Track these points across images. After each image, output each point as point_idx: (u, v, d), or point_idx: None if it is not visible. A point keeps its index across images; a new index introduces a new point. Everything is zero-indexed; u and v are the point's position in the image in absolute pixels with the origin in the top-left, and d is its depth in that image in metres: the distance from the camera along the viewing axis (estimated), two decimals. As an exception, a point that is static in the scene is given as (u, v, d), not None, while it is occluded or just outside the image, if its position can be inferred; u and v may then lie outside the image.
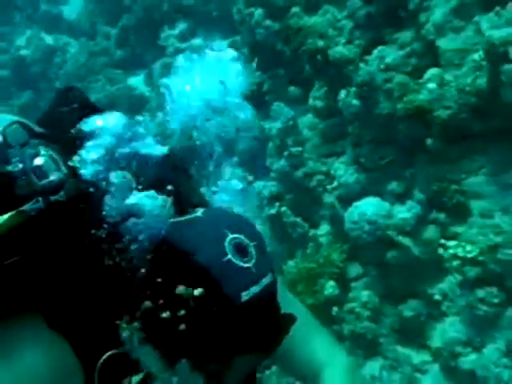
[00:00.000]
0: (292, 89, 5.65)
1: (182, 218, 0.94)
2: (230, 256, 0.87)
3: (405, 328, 4.61)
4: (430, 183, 4.46)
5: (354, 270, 5.03)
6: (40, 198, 0.87)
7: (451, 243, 4.13)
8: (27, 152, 0.89)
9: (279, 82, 5.63)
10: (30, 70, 8.59)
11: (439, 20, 4.24)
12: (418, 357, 4.53)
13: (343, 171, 4.95)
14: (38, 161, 0.89)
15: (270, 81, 5.68)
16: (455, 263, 4.09)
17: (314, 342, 1.27)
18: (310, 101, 5.35)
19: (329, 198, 5.07)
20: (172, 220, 0.93)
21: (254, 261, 0.89)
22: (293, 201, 5.42)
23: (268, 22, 5.07)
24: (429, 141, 4.42)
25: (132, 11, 8.15)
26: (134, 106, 8.34)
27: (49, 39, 8.95)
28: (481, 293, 3.93)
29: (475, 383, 4.04)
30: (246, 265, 0.88)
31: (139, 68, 8.52)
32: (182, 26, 7.82)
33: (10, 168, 0.88)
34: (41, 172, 0.89)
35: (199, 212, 0.95)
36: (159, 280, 0.86)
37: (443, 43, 4.24)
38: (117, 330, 0.90)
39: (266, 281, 0.89)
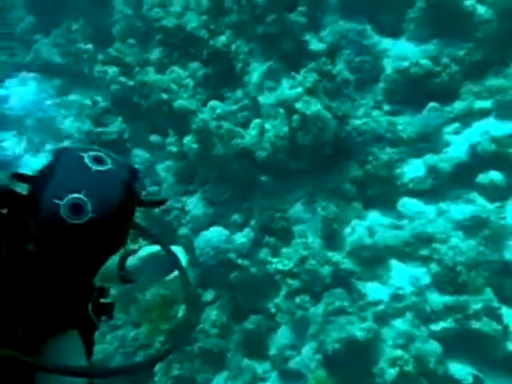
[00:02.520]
0: (153, 137, 6.34)
1: None
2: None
3: (249, 341, 5.22)
4: (262, 213, 5.32)
5: (208, 294, 5.61)
6: None
7: (275, 260, 4.94)
8: None
9: (140, 131, 6.30)
10: None
11: (257, 81, 5.29)
12: (260, 366, 5.14)
13: (193, 206, 5.65)
14: None
15: (130, 129, 6.33)
16: (278, 276, 4.89)
17: None
18: (167, 147, 6.07)
19: (183, 231, 5.69)
20: None
21: None
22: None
23: (122, 79, 5.79)
24: (261, 177, 5.34)
25: None
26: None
27: None
28: (298, 300, 4.72)
29: (302, 381, 4.73)
30: None
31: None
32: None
33: None
34: None
35: None
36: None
37: (262, 99, 5.27)
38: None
39: None
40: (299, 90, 4.63)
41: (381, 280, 4.55)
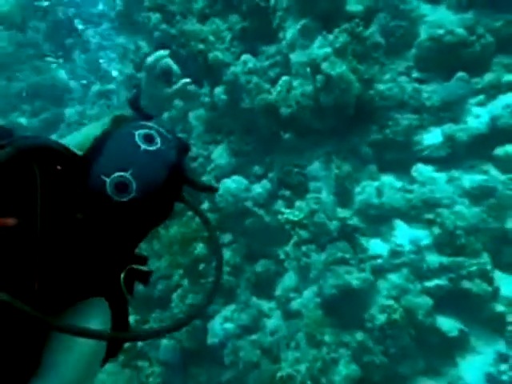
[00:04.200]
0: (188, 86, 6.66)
1: None
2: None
3: (258, 282, 5.67)
4: (281, 167, 5.62)
5: (225, 237, 6.06)
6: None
7: (287, 211, 5.27)
8: None
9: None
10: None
11: (291, 38, 5.45)
12: (265, 305, 5.60)
13: (218, 155, 6.02)
14: None
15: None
16: (288, 226, 5.24)
17: None
18: (201, 97, 6.40)
19: (206, 177, 6.09)
20: None
21: None
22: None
23: (164, 26, 6.09)
24: (284, 134, 5.60)
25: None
26: (57, 96, 9.03)
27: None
28: (304, 248, 5.08)
29: (301, 319, 5.15)
30: None
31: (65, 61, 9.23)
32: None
33: None
34: None
35: None
36: None
37: (293, 57, 5.45)
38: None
39: None
40: (328, 49, 4.79)
41: (383, 237, 4.81)
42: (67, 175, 1.15)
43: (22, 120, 8.90)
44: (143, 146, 1.16)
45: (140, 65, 7.00)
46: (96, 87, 8.95)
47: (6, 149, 1.02)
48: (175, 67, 1.58)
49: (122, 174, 1.12)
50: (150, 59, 1.56)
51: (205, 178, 6.08)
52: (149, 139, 1.17)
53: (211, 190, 1.36)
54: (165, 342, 5.80)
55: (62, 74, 9.04)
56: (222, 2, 6.04)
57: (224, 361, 5.32)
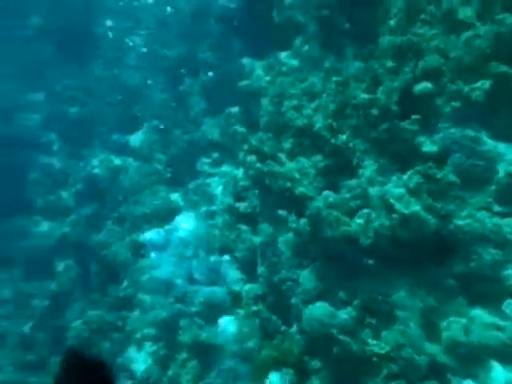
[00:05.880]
0: (280, 211, 7.41)
1: None
2: None
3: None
4: (366, 294, 5.79)
5: (314, 363, 6.18)
6: None
7: (373, 342, 5.32)
8: None
9: (268, 207, 7.45)
10: (98, 185, 11.14)
11: (369, 176, 5.95)
12: None
13: (305, 279, 6.41)
14: None
15: (261, 205, 7.53)
16: (375, 359, 5.24)
17: None
18: (289, 223, 7.05)
19: (294, 300, 6.45)
20: None
21: None
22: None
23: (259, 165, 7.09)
24: (366, 261, 5.86)
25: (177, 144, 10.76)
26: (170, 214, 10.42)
27: (117, 161, 11.67)
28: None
29: None
30: None
31: (179, 186, 10.81)
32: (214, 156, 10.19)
33: None
34: None
35: None
36: None
37: (371, 191, 5.88)
38: None
39: None
40: (402, 190, 5.16)
41: (477, 379, 4.59)
42: None
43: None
44: None
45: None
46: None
47: None
48: None
49: None
50: None
51: (294, 301, 6.43)
52: None
53: None
54: None
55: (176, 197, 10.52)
56: (307, 142, 6.89)
57: None
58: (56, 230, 10.33)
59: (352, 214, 5.99)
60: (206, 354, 7.51)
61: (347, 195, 6.22)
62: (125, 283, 9.44)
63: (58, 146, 12.31)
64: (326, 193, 6.11)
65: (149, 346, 8.66)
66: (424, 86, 5.57)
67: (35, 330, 9.43)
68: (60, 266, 9.89)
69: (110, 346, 8.80)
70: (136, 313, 9.17)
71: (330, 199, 6.00)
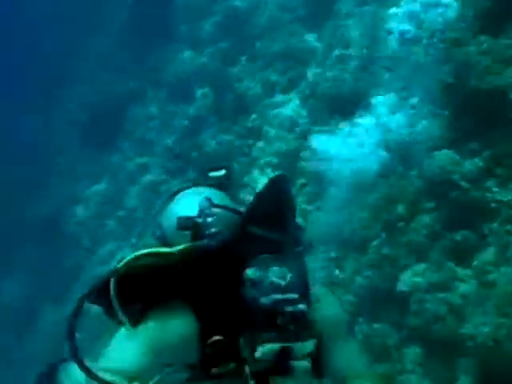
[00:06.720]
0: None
1: None
2: None
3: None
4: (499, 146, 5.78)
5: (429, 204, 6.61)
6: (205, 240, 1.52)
7: (496, 189, 5.54)
8: (205, 214, 1.63)
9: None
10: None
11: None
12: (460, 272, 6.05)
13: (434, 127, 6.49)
14: (209, 219, 1.61)
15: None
16: (494, 205, 5.53)
17: (345, 349, 1.63)
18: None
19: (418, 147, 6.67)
20: None
21: None
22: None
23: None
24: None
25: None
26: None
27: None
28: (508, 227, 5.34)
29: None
30: None
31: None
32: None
33: (198, 220, 1.61)
34: (208, 226, 1.59)
35: None
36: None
37: None
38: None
39: None
40: None
41: None
42: None
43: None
44: None
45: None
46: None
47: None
48: None
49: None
50: None
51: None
52: None
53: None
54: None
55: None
56: None
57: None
58: (196, 59, 11.12)
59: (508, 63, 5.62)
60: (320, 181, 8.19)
61: (505, 41, 5.76)
62: (253, 116, 10.23)
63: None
64: (481, 38, 5.72)
65: (270, 171, 9.81)
66: None
67: (176, 144, 11.03)
68: (198, 93, 10.91)
69: (239, 167, 10.08)
70: (261, 143, 10.13)
71: (485, 45, 5.65)
